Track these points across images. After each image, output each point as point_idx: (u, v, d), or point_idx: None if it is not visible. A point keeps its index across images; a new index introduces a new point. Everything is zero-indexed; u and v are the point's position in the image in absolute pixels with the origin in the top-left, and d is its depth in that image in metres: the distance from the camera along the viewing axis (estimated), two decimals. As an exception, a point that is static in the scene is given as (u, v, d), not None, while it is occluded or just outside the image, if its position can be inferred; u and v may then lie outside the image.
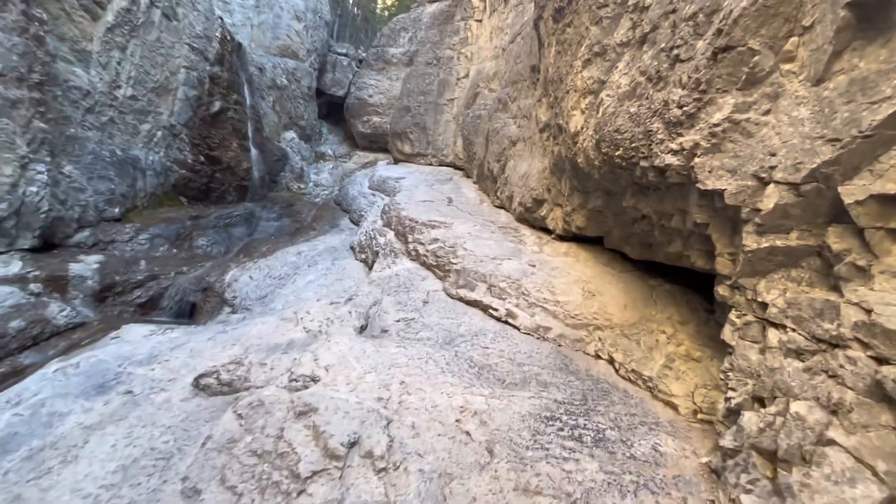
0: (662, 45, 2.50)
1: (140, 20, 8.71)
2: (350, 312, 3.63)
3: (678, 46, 2.36)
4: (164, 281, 6.63)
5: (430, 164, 14.29)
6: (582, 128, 3.64)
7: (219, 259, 7.86)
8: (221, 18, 10.88)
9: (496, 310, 3.57)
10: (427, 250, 4.94)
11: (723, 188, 1.95)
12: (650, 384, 2.55)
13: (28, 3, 5.33)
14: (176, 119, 9.74)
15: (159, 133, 9.41)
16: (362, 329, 3.47)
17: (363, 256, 7.17)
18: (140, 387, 2.84)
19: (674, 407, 2.36)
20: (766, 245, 1.78)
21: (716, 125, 2.03)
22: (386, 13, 28.19)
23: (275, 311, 4.97)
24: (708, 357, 2.59)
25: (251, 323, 3.76)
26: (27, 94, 5.35)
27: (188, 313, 6.52)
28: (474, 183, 10.41)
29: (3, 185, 5.18)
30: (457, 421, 2.15)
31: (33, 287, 4.94)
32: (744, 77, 1.95)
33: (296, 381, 2.70)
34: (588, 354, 3.02)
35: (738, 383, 1.79)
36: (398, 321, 3.59)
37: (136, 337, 4.07)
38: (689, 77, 2.21)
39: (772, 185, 1.75)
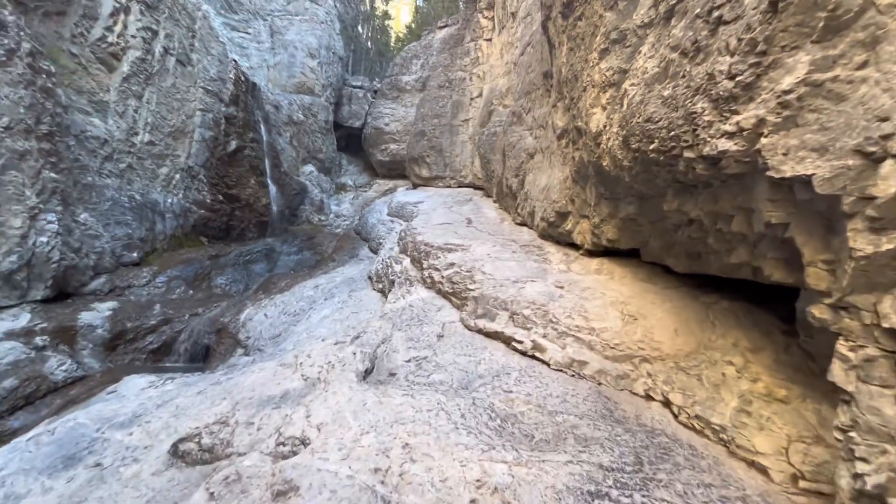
0: (697, 10, 2.04)
1: (155, 68, 8.92)
2: (355, 354, 3.20)
3: (719, 7, 1.89)
4: (178, 324, 6.43)
5: (449, 187, 14.01)
6: (605, 126, 3.17)
7: (236, 298, 7.66)
8: (235, 60, 11.12)
9: (520, 342, 3.06)
10: (443, 276, 4.49)
11: (808, 173, 1.44)
12: (724, 436, 1.98)
13: (34, 56, 5.41)
14: (193, 161, 9.85)
15: (177, 176, 9.51)
16: (367, 373, 3.03)
17: (380, 286, 6.80)
18: (112, 457, 2.47)
19: (762, 470, 1.79)
20: (890, 247, 1.25)
21: (787, 92, 1.53)
22: (400, 44, 28.82)
23: (283, 353, 4.60)
24: (797, 397, 2.00)
25: (248, 371, 3.38)
26: (35, 146, 5.36)
27: (202, 357, 6.27)
28: (494, 202, 10.00)
29: (13, 237, 5.13)
30: (472, 502, 1.64)
31: (39, 340, 4.78)
32: (821, 24, 1.45)
33: (283, 444, 2.26)
34: (636, 395, 2.45)
35: (872, 451, 1.23)
36: (408, 361, 3.13)
37: (134, 390, 3.76)
38: (740, 39, 1.73)
39: (890, 162, 1.23)
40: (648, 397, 2.39)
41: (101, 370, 4.99)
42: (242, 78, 11.18)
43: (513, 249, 5.06)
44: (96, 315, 5.64)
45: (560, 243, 5.09)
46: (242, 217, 11.04)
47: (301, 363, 3.21)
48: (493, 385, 2.61)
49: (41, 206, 5.46)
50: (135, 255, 7.82)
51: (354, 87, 20.78)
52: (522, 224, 7.01)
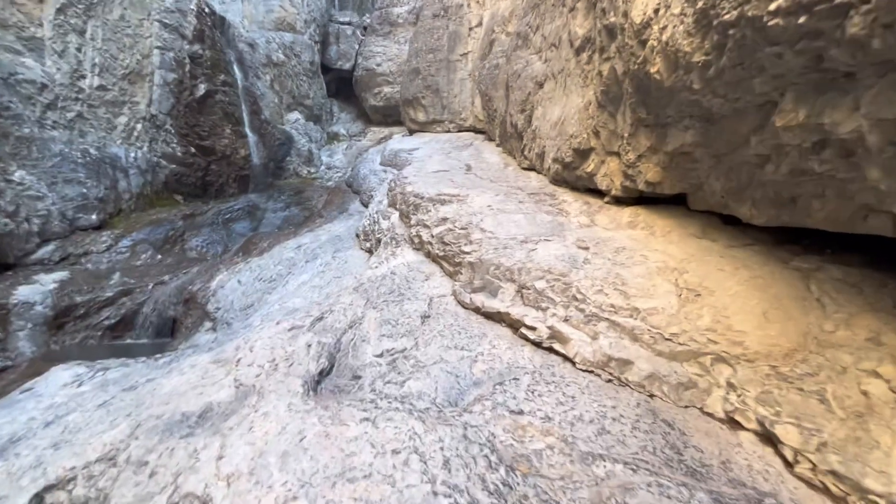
0: None
1: (96, -4, 7.59)
2: (309, 346, 2.38)
3: None
4: (140, 295, 5.67)
5: (448, 131, 12.74)
6: (656, 10, 2.12)
7: (209, 262, 6.86)
8: (196, -12, 9.63)
9: (532, 328, 2.20)
10: (432, 235, 3.60)
11: None
12: (891, 513, 1.18)
13: None
14: (157, 108, 8.71)
15: (139, 126, 8.42)
16: (323, 375, 2.21)
17: (368, 245, 5.95)
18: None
19: None
20: None
21: None
22: (390, -25, 26.04)
23: (240, 333, 3.81)
24: None
25: (177, 367, 2.59)
26: (-71, 87, 4.34)
27: (169, 331, 5.56)
28: (497, 146, 8.90)
29: (-83, 202, 4.27)
30: None
31: (-41, 323, 4.05)
32: None
33: (177, 507, 1.48)
34: (711, 416, 1.63)
35: None
36: (380, 356, 2.30)
37: (53, 389, 3.02)
38: None
39: None
40: (733, 422, 1.56)
41: (37, 355, 4.28)
42: (207, 10, 9.75)
43: (519, 199, 4.11)
44: (37, 289, 4.87)
45: (578, 189, 4.12)
46: (220, 171, 10.03)
47: (239, 360, 2.40)
48: (495, 400, 1.79)
49: (-50, 162, 4.55)
50: (93, 217, 6.95)
51: (342, 23, 18.84)
52: (530, 169, 5.99)
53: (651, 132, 2.70)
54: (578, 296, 2.21)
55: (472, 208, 3.91)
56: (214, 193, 9.99)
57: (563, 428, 1.59)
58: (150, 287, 5.82)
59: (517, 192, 4.51)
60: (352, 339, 2.50)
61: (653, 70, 2.23)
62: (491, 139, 9.83)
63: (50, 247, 5.87)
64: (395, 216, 5.30)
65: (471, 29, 12.59)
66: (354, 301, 3.03)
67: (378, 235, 5.47)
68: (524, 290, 2.41)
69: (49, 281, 5.14)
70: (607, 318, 2.07)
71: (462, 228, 3.37)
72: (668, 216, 2.93)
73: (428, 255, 3.60)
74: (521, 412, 1.69)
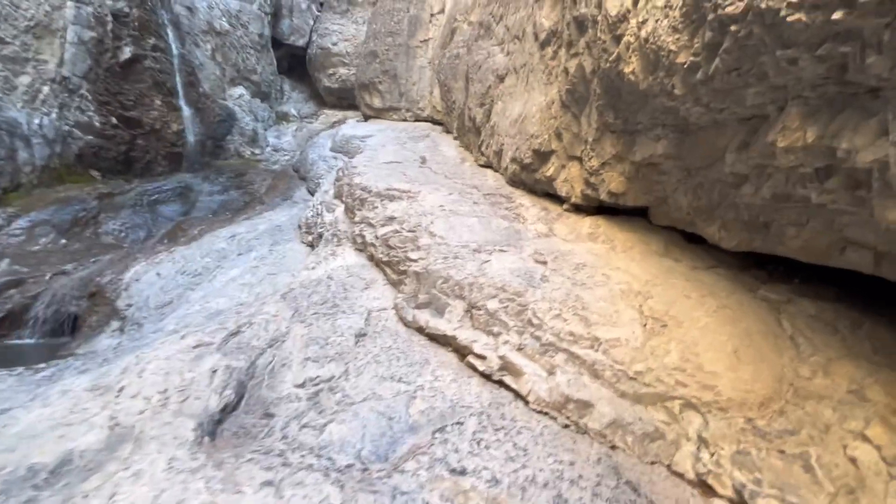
0: None
1: (-8, -70, 6.42)
2: (214, 373, 1.96)
3: None
4: (34, 286, 4.86)
5: (405, 120, 12.24)
6: (634, 2, 1.87)
7: (126, 249, 6.06)
8: (123, -63, 8.47)
9: (482, 357, 1.91)
10: (377, 237, 3.23)
11: None
12: None
13: None
14: (69, 70, 7.60)
15: (46, 88, 7.31)
16: (224, 413, 1.80)
17: (310, 238, 5.46)
18: None
19: None
20: None
21: None
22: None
23: (152, 339, 3.27)
24: None
25: (40, 396, 2.07)
26: None
27: (69, 329, 4.81)
28: (455, 139, 8.58)
29: None
30: None
31: None
32: None
33: None
34: (682, 477, 1.41)
35: None
36: (301, 386, 1.93)
37: None
38: None
39: None
40: (705, 486, 1.35)
41: None
42: (135, -38, 8.62)
43: (474, 199, 3.82)
44: None
45: (536, 193, 3.89)
46: (147, 147, 8.99)
47: (122, 388, 1.93)
48: (433, 454, 1.48)
49: None
50: (-19, 191, 5.92)
51: (296, -5, 17.65)
52: (487, 166, 5.73)
53: (618, 139, 2.48)
54: (535, 320, 1.95)
55: (423, 207, 3.57)
56: (140, 171, 8.94)
57: (512, 495, 1.31)
58: (47, 277, 5.01)
59: (472, 192, 4.22)
60: (270, 363, 2.10)
61: (627, 70, 1.99)
62: (449, 131, 9.49)
63: (-83, 225, 4.89)
64: (340, 210, 4.86)
65: (432, 15, 12.13)
66: (280, 311, 2.62)
67: (320, 230, 5.01)
68: (474, 311, 2.12)
69: (-90, 268, 4.25)
70: (566, 349, 1.82)
71: (410, 231, 3.02)
72: (630, 229, 2.75)
73: (371, 258, 3.23)
74: (463, 471, 1.40)
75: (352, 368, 1.99)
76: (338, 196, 5.32)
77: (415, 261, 2.67)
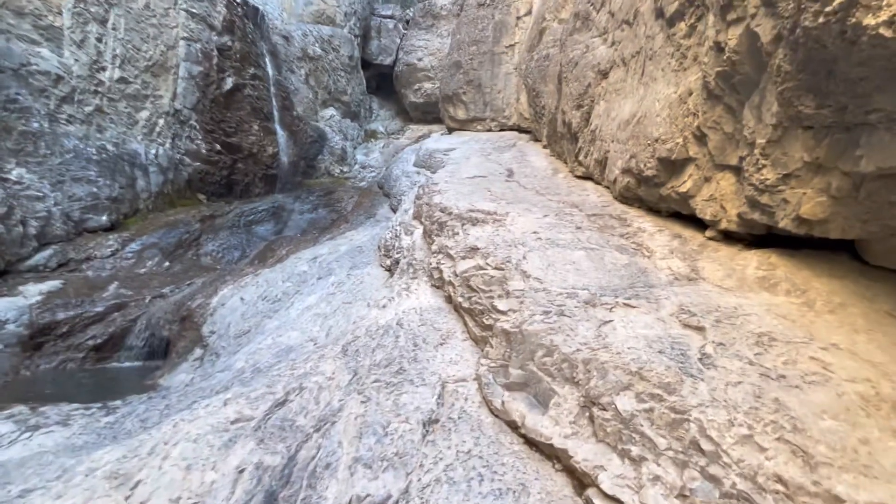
0: None
1: (119, -17, 7.15)
2: (239, 474, 1.50)
3: None
4: (134, 310, 5.07)
5: (490, 130, 11.69)
6: None
7: (218, 272, 6.23)
8: (228, -23, 9.13)
9: (615, 501, 1.19)
10: (456, 273, 2.64)
11: None
12: None
13: None
14: (181, 102, 8.25)
15: (161, 121, 7.97)
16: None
17: (388, 262, 5.08)
18: None
19: None
20: None
21: None
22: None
23: (209, 393, 3.01)
24: None
25: (67, 474, 1.78)
26: None
27: (163, 352, 4.93)
28: (544, 147, 7.82)
29: None
30: None
31: (-87, 345, 3.51)
32: None
33: None
34: None
35: None
36: (346, 509, 1.37)
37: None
38: None
39: None
40: None
41: None
42: (238, -1, 9.24)
43: (576, 222, 3.06)
44: (15, 303, 4.33)
45: (659, 213, 3.03)
46: (246, 170, 9.52)
47: (138, 484, 1.54)
48: None
49: (-75, 159, 4.07)
50: (104, 218, 6.50)
51: (384, 16, 18.18)
52: (585, 177, 4.90)
53: (819, 139, 1.61)
54: (705, 443, 1.18)
55: (512, 234, 2.91)
56: (240, 193, 9.49)
57: None
58: (147, 301, 5.22)
59: (572, 212, 3.46)
60: (312, 459, 1.58)
61: (871, 21, 1.16)
62: (537, 139, 8.74)
63: (48, 252, 5.40)
64: (419, 233, 4.39)
65: (519, 18, 11.49)
66: (337, 372, 2.12)
67: (397, 255, 4.58)
68: (596, 409, 1.40)
69: (35, 292, 4.62)
70: (769, 507, 1.03)
71: (497, 268, 2.38)
72: (829, 273, 1.82)
73: (449, 300, 2.64)
74: None
75: (414, 486, 1.39)
76: (416, 217, 4.86)
77: (503, 313, 2.02)
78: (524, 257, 2.41)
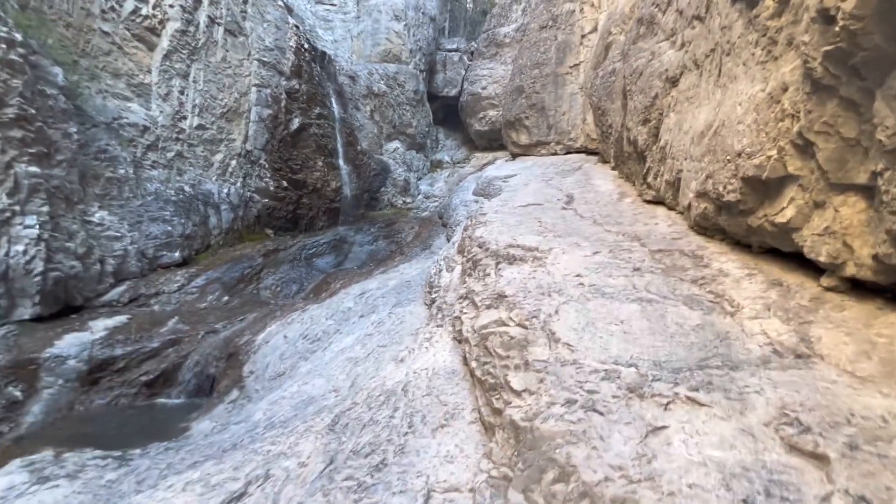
0: None
1: (200, 41, 7.87)
2: None
3: None
4: (188, 346, 5.18)
5: (555, 153, 11.07)
6: None
7: (269, 307, 6.27)
8: (297, 26, 9.76)
9: None
10: (474, 329, 2.15)
11: None
12: None
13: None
14: (252, 144, 8.78)
15: (233, 162, 8.52)
16: None
17: (430, 300, 4.69)
18: None
19: None
20: None
21: None
22: None
23: (224, 441, 2.76)
24: None
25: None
26: (-1, 134, 4.36)
27: (209, 389, 4.93)
28: (613, 169, 7.09)
29: (-23, 248, 4.24)
30: None
31: (-16, 381, 3.77)
32: None
33: None
34: None
35: None
36: None
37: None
38: None
39: None
40: None
41: (40, 425, 3.82)
42: (306, 45, 9.80)
43: (635, 262, 2.43)
44: (81, 339, 4.58)
45: (748, 246, 2.30)
46: (310, 204, 9.84)
47: None
48: None
49: (15, 207, 4.51)
50: (177, 254, 6.93)
51: (449, 50, 18.55)
52: (656, 202, 4.18)
53: None
54: None
55: (550, 277, 2.36)
56: (305, 227, 9.81)
57: None
58: (200, 336, 5.32)
59: (633, 247, 2.82)
60: None
61: None
62: (605, 161, 8.01)
63: (122, 287, 5.79)
64: (458, 270, 3.97)
65: (583, 36, 10.93)
66: (313, 457, 1.72)
67: (435, 294, 4.18)
68: None
69: (101, 328, 4.88)
70: None
71: (520, 325, 1.86)
72: None
73: (464, 361, 2.15)
74: None
75: None
76: (460, 251, 4.44)
77: (517, 394, 1.50)
78: (556, 312, 1.87)
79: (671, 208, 3.79)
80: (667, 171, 3.76)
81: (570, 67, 10.99)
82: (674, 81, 3.85)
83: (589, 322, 1.75)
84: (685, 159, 3.27)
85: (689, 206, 2.95)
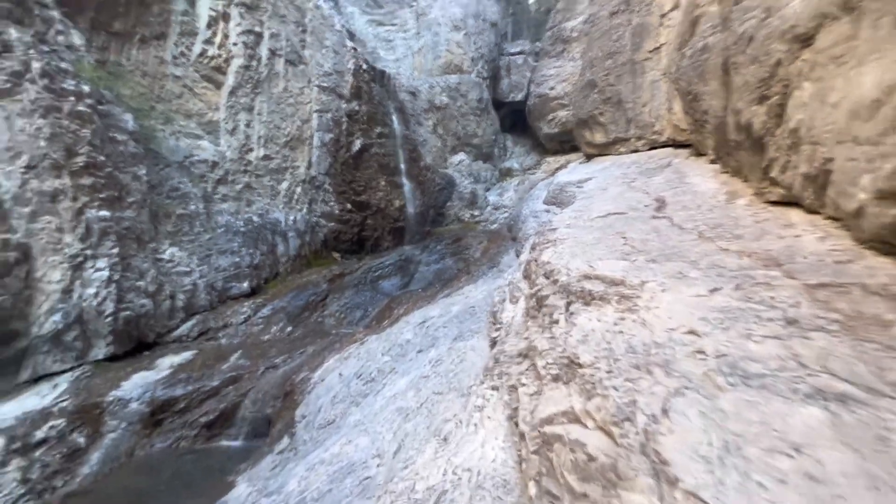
0: None
1: (263, 74, 8.06)
2: None
3: None
4: (248, 382, 5.03)
5: (636, 150, 9.83)
6: None
7: (330, 339, 6.00)
8: (355, 48, 9.75)
9: None
10: (533, 423, 1.46)
11: None
12: None
13: (52, 77, 4.58)
14: (315, 170, 8.82)
15: (299, 189, 8.59)
16: None
17: (494, 335, 4.03)
18: None
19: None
20: None
21: None
22: None
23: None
24: None
25: None
26: (70, 183, 4.55)
27: (265, 431, 4.69)
28: (712, 162, 5.91)
29: (54, 293, 4.41)
30: None
31: (52, 426, 3.81)
32: None
33: None
34: None
35: None
36: None
37: None
38: None
39: None
40: None
41: (95, 477, 3.75)
42: (364, 66, 9.74)
43: (783, 307, 1.57)
44: (145, 379, 4.58)
45: None
46: (375, 225, 9.66)
47: None
48: None
49: (87, 252, 4.68)
50: (245, 285, 7.00)
51: (513, 54, 17.81)
52: (786, 202, 3.13)
53: None
54: None
55: (647, 330, 1.61)
56: (370, 248, 9.64)
57: None
58: (259, 372, 5.15)
59: (771, 277, 1.92)
60: None
61: None
62: (701, 153, 6.76)
63: (191, 322, 5.87)
64: (521, 305, 3.26)
65: (663, 16, 9.62)
66: None
67: (496, 332, 3.51)
68: None
69: (167, 366, 4.89)
70: None
71: (603, 430, 1.18)
72: None
73: (519, 464, 1.47)
74: None
75: None
76: (525, 276, 3.73)
77: None
78: (665, 411, 1.13)
79: (813, 212, 2.76)
80: (803, 161, 2.74)
81: (650, 52, 9.72)
82: (806, 40, 2.84)
83: (731, 446, 0.99)
84: (838, 143, 2.29)
85: (859, 211, 1.98)
